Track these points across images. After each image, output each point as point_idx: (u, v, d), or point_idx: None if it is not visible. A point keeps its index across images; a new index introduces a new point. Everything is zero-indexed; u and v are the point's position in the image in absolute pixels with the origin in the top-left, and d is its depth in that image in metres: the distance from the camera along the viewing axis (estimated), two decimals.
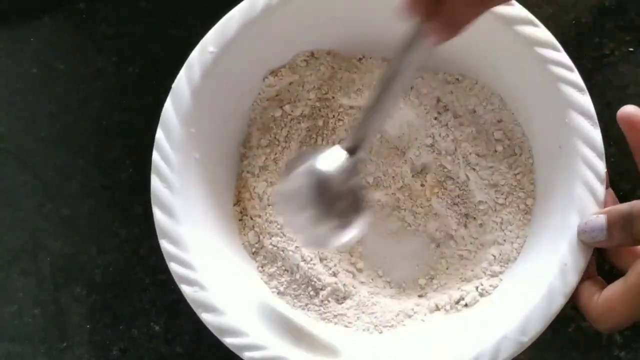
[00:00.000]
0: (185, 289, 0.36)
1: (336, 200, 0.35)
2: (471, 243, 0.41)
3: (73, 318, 0.44)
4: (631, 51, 0.46)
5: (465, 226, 0.42)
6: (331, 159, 0.34)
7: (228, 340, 0.35)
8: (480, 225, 0.41)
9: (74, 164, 0.46)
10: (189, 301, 0.36)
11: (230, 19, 0.39)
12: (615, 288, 0.33)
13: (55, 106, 0.47)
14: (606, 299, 0.33)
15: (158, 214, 0.37)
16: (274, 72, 0.43)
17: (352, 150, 0.34)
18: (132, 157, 0.46)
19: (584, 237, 0.34)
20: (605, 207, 0.35)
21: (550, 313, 0.34)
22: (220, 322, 0.35)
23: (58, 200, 0.46)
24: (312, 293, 0.40)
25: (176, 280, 0.36)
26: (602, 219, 0.33)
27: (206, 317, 0.35)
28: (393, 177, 0.43)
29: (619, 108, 0.35)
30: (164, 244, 0.36)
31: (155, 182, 0.37)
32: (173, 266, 0.36)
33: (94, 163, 0.46)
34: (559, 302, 0.34)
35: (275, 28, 0.40)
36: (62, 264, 0.45)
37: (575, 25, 0.46)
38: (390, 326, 0.40)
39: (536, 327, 0.34)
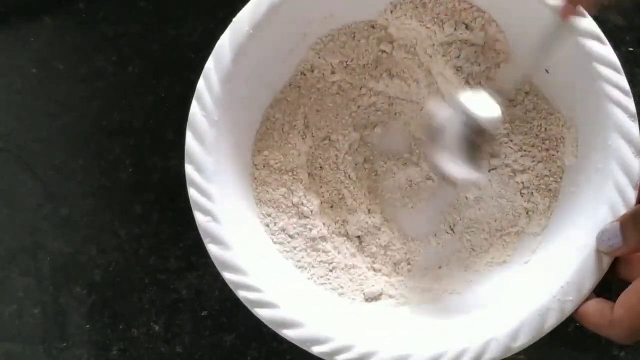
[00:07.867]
0: (199, 217, 0.36)
1: (475, 145, 0.36)
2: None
3: (73, 318, 0.44)
4: (631, 51, 0.46)
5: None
6: (487, 108, 0.35)
7: (227, 276, 0.35)
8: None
9: (74, 164, 0.46)
10: (199, 230, 0.36)
11: None
12: (633, 287, 0.32)
13: (55, 106, 0.47)
14: (623, 302, 0.32)
15: (190, 138, 0.37)
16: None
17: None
18: (132, 157, 0.46)
19: (603, 248, 0.34)
20: None
21: (545, 328, 0.34)
22: (224, 256, 0.35)
23: (58, 200, 0.46)
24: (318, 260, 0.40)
25: (192, 207, 0.36)
26: (615, 225, 0.34)
27: (212, 249, 0.36)
28: None
29: None
30: (189, 170, 0.36)
31: (195, 108, 0.37)
32: (192, 192, 0.36)
33: (94, 163, 0.46)
34: (555, 318, 0.34)
35: None
36: (62, 264, 0.45)
37: None
38: (375, 300, 0.40)
39: (527, 338, 0.34)
